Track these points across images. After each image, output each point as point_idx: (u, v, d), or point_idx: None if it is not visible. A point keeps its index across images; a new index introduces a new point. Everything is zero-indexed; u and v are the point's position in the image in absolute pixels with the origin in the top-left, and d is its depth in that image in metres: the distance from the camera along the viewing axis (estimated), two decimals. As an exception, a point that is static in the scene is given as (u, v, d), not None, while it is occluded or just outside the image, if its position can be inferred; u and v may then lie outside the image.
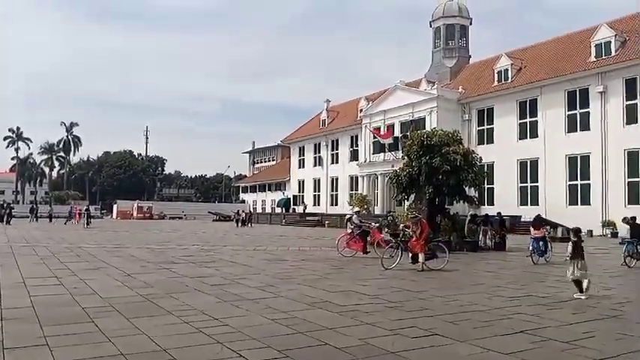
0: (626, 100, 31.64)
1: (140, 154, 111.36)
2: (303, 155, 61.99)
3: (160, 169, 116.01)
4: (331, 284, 10.00)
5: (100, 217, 64.83)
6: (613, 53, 32.72)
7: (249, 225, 44.70)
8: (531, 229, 15.66)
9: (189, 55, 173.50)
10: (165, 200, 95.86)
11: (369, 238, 16.45)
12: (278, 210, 65.25)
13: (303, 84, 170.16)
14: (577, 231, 9.28)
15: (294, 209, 60.86)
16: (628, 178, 31.26)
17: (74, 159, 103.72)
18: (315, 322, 6.47)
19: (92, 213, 44.63)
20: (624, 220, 23.98)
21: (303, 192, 61.46)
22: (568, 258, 8.97)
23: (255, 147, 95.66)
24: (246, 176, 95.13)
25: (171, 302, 7.77)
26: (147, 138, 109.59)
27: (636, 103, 31.13)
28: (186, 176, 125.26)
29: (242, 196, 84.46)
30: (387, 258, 12.94)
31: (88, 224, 35.64)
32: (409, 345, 5.47)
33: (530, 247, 15.00)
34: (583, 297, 8.57)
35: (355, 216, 17.39)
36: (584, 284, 8.75)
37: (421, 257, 12.50)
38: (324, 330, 6.08)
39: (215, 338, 5.62)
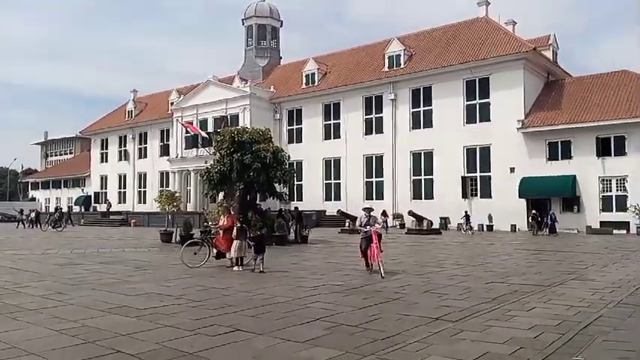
0: (412, 108, 36.14)
1: None
2: (107, 148, 57.28)
3: None
4: (131, 287, 9.37)
5: None
6: (402, 65, 37.07)
7: (64, 227, 34.95)
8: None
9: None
10: None
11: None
12: (76, 209, 59.18)
13: (105, 73, 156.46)
14: None
15: (95, 208, 55.93)
16: (413, 176, 35.81)
17: None
18: (108, 330, 5.96)
19: None
20: (409, 212, 29.94)
21: (105, 189, 56.80)
22: None
23: (48, 138, 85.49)
24: (37, 171, 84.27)
25: None
26: None
27: (420, 111, 35.76)
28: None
29: (32, 193, 74.63)
30: (192, 256, 12.58)
31: None
32: (209, 344, 5.38)
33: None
34: None
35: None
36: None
37: (229, 253, 12.43)
38: (117, 337, 5.63)
39: (-20, 359, 4.79)
